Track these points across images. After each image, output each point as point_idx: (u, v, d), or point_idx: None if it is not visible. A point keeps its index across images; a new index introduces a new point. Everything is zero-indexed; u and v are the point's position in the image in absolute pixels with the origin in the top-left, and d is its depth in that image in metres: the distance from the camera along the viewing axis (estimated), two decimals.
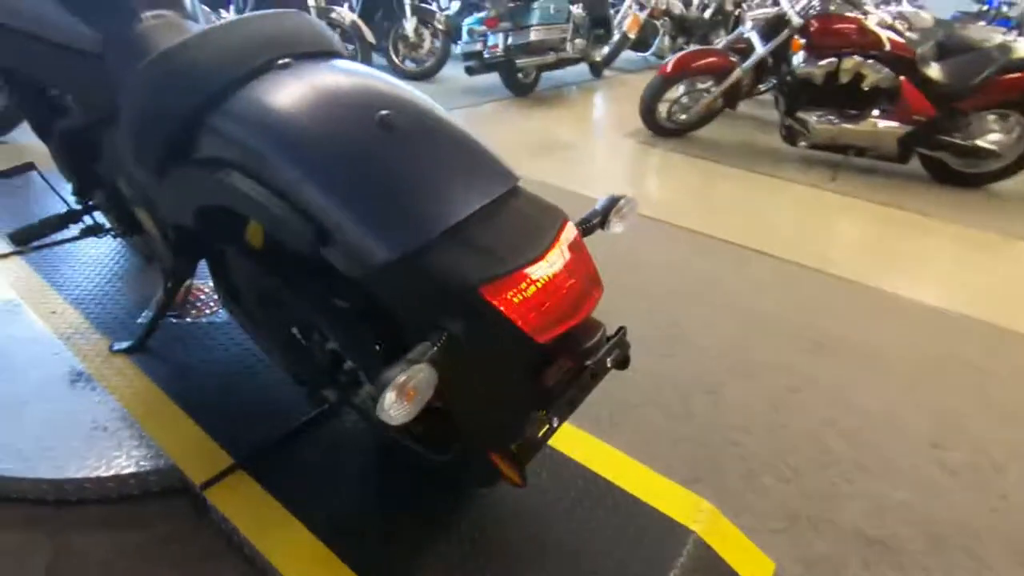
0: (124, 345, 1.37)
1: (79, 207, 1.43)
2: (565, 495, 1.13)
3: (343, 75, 0.80)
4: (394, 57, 4.72)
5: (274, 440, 1.17)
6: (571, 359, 0.73)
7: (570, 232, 0.70)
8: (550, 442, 1.25)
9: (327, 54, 0.87)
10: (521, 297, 0.62)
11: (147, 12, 1.01)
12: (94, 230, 1.43)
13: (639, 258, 2.27)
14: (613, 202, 0.83)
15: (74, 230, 1.48)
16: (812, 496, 1.29)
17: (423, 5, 4.62)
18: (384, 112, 0.69)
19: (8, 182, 1.61)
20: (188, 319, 1.50)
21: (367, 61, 3.89)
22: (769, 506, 1.26)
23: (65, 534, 1.05)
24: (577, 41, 4.75)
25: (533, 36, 4.07)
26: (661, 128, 3.76)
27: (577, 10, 4.73)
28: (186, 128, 0.78)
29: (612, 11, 5.60)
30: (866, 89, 3.19)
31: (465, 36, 4.30)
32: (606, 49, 5.61)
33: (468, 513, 1.08)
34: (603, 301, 0.72)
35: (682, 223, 2.58)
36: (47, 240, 1.72)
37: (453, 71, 4.82)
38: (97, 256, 1.73)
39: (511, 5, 4.11)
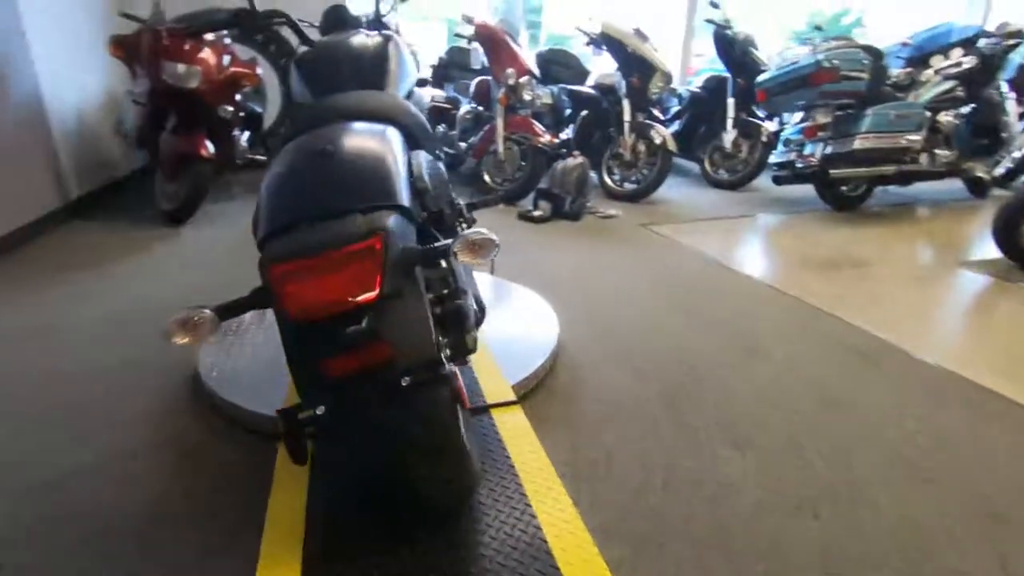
0: None
1: None
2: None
3: (350, 127, 1.03)
4: (707, 166, 4.81)
5: None
6: (331, 352, 0.75)
7: (369, 246, 0.76)
8: (546, 534, 1.13)
9: (386, 120, 1.12)
10: (291, 280, 0.72)
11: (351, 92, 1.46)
12: None
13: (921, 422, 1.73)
14: (464, 235, 0.81)
15: None
16: None
17: (749, 119, 4.61)
18: (325, 146, 0.89)
19: None
20: None
21: (666, 169, 4.12)
22: None
23: (214, 442, 1.52)
24: (941, 152, 3.90)
25: (857, 145, 3.57)
26: None
27: (947, 117, 3.91)
28: None
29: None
30: None
31: (780, 146, 4.09)
32: (1008, 163, 4.37)
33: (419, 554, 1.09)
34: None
35: None
36: None
37: (770, 181, 4.59)
38: None
39: (838, 113, 3.73)
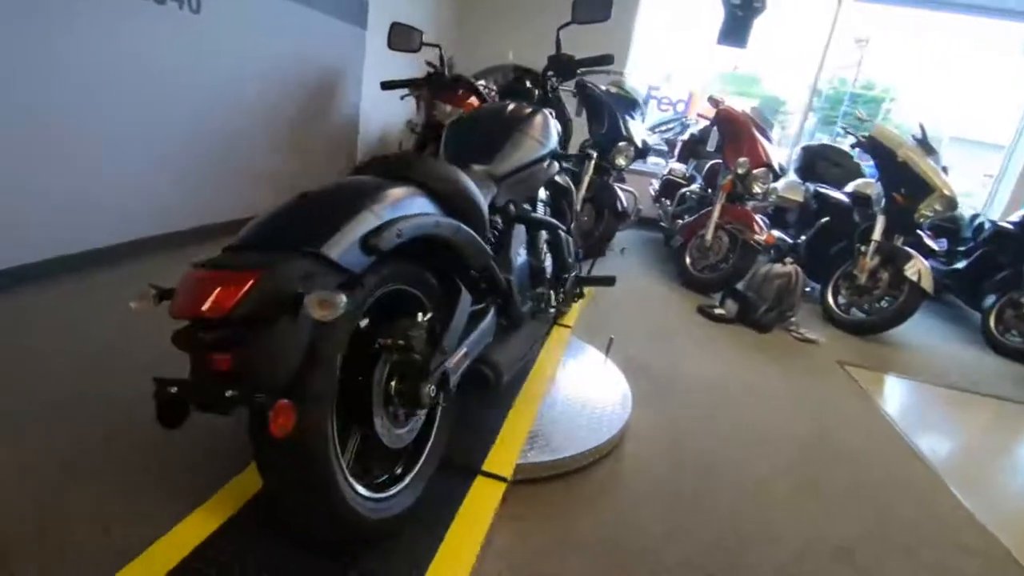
0: None
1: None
2: None
3: (359, 180, 1.14)
4: (992, 322, 3.65)
5: None
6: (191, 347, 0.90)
7: (244, 276, 0.86)
8: None
9: (417, 183, 1.21)
10: (186, 283, 0.88)
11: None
12: None
13: None
14: (315, 292, 0.84)
15: None
16: None
17: None
18: (309, 190, 1.04)
19: None
20: None
21: (910, 308, 3.28)
22: None
23: None
24: None
25: None
26: None
27: None
28: None
29: None
30: None
31: None
32: None
33: None
34: None
35: None
36: None
37: None
38: None
39: None
